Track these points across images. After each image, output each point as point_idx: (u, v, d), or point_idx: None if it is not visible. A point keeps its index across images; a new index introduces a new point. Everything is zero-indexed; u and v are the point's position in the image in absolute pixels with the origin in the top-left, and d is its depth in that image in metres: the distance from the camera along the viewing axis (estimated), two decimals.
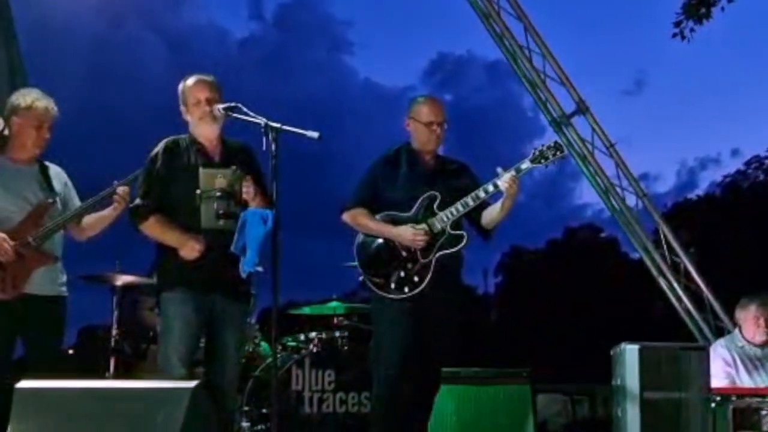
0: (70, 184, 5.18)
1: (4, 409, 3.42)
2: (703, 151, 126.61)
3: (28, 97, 4.97)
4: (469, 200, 4.88)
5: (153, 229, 4.65)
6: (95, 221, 5.07)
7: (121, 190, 4.83)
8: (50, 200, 4.95)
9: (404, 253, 4.93)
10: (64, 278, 5.04)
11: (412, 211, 4.98)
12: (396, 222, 4.99)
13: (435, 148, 5.17)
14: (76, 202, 5.13)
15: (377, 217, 5.05)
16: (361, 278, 5.11)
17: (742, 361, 6.27)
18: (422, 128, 5.08)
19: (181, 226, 4.61)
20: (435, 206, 4.95)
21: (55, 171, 5.12)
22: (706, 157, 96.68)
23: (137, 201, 4.70)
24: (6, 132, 5.52)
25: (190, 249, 4.53)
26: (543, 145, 4.82)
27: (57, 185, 5.05)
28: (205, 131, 4.71)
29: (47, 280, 4.90)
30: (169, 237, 4.62)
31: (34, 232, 4.81)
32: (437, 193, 4.97)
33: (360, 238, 5.12)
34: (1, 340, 4.80)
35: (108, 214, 4.99)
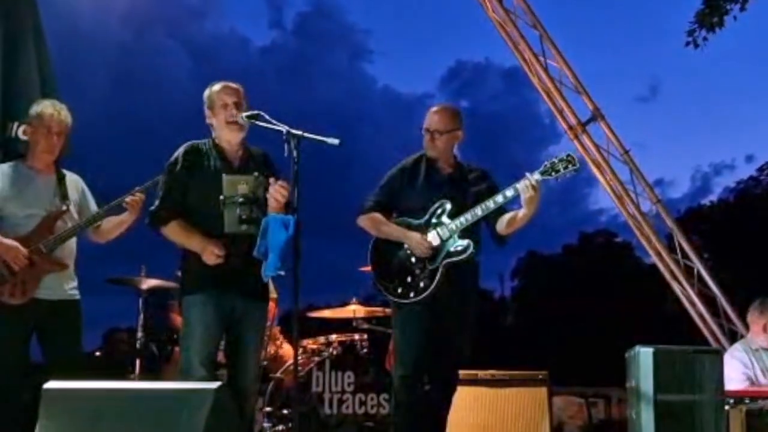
0: (87, 191, 5.30)
1: (27, 408, 3.52)
2: (718, 156, 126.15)
3: (38, 105, 5.12)
4: (479, 210, 4.93)
5: (174, 232, 4.68)
6: (114, 225, 5.18)
7: (131, 198, 4.95)
8: (63, 208, 5.06)
9: (414, 260, 5.01)
10: (75, 283, 5.14)
11: (424, 218, 5.06)
12: (408, 227, 5.08)
13: (434, 155, 5.20)
14: (93, 208, 5.24)
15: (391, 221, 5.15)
16: (373, 282, 5.19)
17: (759, 365, 6.31)
18: (424, 135, 5.18)
19: (202, 230, 4.64)
20: (446, 214, 5.02)
21: (72, 179, 5.24)
22: (720, 163, 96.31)
23: (157, 204, 4.72)
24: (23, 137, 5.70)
25: (210, 254, 4.55)
26: (555, 158, 4.82)
27: (73, 193, 5.16)
28: (229, 136, 4.75)
29: (57, 285, 5.01)
30: (190, 241, 4.64)
31: (45, 239, 4.93)
32: (448, 201, 5.03)
33: (373, 242, 5.21)
34: (15, 343, 4.91)
35: (125, 218, 5.11)
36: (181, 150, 4.77)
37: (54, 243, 4.96)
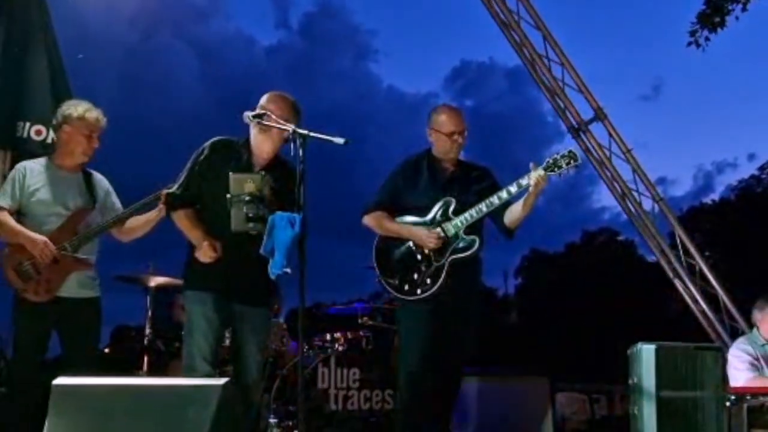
0: (112, 191, 5.34)
1: (41, 404, 3.57)
2: (720, 155, 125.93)
3: (80, 107, 5.14)
4: (483, 206, 4.99)
5: (180, 221, 4.73)
6: (139, 224, 5.21)
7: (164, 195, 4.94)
8: (88, 207, 5.13)
9: (419, 257, 5.07)
10: (97, 282, 5.20)
11: (429, 215, 5.11)
12: (413, 225, 5.13)
13: (456, 156, 5.27)
14: (119, 207, 5.29)
15: (395, 219, 5.20)
16: (377, 280, 5.25)
17: (764, 360, 6.29)
18: (444, 138, 5.18)
19: (209, 226, 4.67)
20: (450, 211, 5.08)
21: (98, 179, 5.29)
22: (723, 162, 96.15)
23: (175, 187, 4.76)
24: (47, 140, 5.73)
25: (203, 253, 4.58)
26: (557, 154, 4.86)
27: (99, 192, 5.22)
28: (258, 141, 4.75)
29: (81, 284, 5.07)
30: (191, 234, 4.68)
31: (70, 238, 4.99)
32: (452, 199, 5.09)
33: (377, 241, 5.26)
34: (35, 339, 4.97)
35: (151, 217, 5.13)
36: (210, 141, 4.81)
37: (79, 242, 5.02)
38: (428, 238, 5.02)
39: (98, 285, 5.22)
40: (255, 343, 4.76)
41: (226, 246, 4.61)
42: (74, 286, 5.04)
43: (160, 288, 6.28)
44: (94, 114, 5.14)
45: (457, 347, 5.12)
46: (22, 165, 5.18)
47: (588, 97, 9.03)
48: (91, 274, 5.15)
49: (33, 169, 5.13)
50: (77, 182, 5.18)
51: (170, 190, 4.78)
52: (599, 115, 8.97)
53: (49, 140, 5.94)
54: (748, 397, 5.51)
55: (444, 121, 5.22)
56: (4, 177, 5.59)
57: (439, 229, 5.05)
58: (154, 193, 4.97)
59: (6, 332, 5.09)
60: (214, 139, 4.81)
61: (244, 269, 4.58)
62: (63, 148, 5.18)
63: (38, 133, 5.86)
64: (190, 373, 4.49)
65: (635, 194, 9.01)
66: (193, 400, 3.38)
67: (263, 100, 4.78)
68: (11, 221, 4.98)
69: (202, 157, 4.75)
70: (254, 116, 4.59)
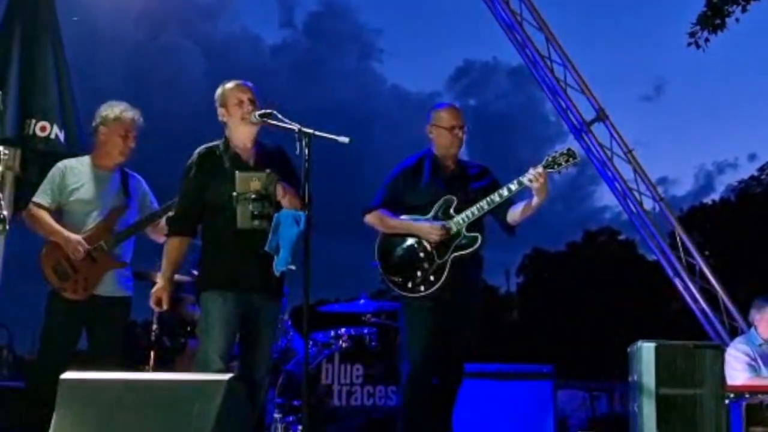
0: (149, 191, 5.45)
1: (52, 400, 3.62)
2: (721, 155, 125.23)
3: (116, 108, 5.25)
4: (484, 204, 5.04)
5: (166, 251, 4.77)
6: None
7: None
8: (125, 206, 5.21)
9: (422, 254, 5.09)
10: (131, 282, 5.31)
11: (430, 214, 5.14)
12: (415, 221, 5.16)
13: (457, 152, 5.32)
14: (155, 207, 5.37)
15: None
16: (381, 278, 5.27)
17: (762, 359, 6.36)
18: (445, 133, 5.24)
19: (178, 263, 4.77)
20: (452, 209, 5.11)
21: (136, 179, 5.39)
22: (723, 162, 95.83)
23: (173, 213, 4.86)
24: (51, 135, 5.79)
25: (156, 295, 4.70)
26: (556, 152, 4.93)
27: (135, 192, 5.31)
28: (244, 132, 4.75)
29: (115, 283, 5.17)
30: (166, 266, 4.75)
31: (107, 236, 5.08)
32: (453, 197, 5.13)
33: (379, 239, 5.27)
34: (66, 336, 5.07)
35: None
36: (195, 155, 4.79)
37: (116, 241, 5.12)
38: (432, 231, 5.05)
39: (132, 284, 5.31)
40: (268, 337, 4.80)
41: (234, 244, 4.63)
42: (109, 285, 5.15)
43: None
44: (130, 114, 5.25)
45: (458, 343, 5.16)
46: (62, 164, 5.27)
47: (590, 97, 9.08)
48: (125, 273, 5.25)
49: (72, 169, 5.22)
50: (115, 182, 5.27)
51: (171, 215, 4.86)
52: (601, 116, 9.01)
53: (52, 136, 5.97)
54: (747, 395, 5.56)
55: (444, 116, 5.29)
56: (16, 176, 5.67)
57: (443, 223, 5.08)
58: None
59: (15, 327, 5.16)
60: (198, 151, 4.80)
61: (257, 264, 4.57)
62: (101, 148, 5.28)
63: (43, 129, 5.89)
64: (204, 369, 4.49)
65: (636, 194, 9.06)
66: (199, 395, 3.43)
67: (229, 90, 4.80)
68: (49, 219, 5.09)
69: (194, 171, 4.75)
70: (261, 116, 4.62)
